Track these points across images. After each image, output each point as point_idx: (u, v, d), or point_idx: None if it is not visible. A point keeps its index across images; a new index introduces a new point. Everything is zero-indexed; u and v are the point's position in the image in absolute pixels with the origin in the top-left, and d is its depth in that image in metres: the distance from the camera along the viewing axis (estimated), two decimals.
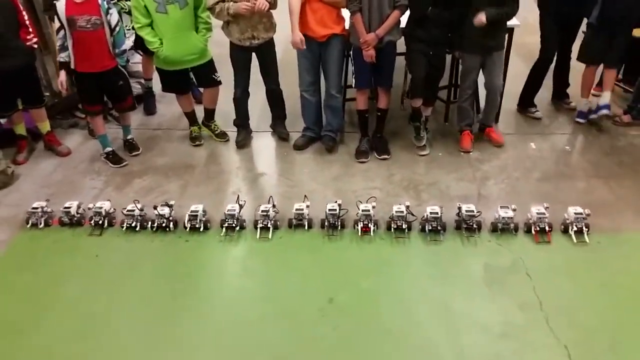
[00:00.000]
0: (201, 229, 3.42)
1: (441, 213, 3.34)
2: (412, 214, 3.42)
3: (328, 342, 2.68)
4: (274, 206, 3.48)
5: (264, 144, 4.56)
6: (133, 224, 3.44)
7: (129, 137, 4.43)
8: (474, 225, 3.35)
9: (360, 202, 3.45)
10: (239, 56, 4.16)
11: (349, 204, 3.54)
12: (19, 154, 4.29)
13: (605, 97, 4.46)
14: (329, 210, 3.39)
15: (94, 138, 4.44)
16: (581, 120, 4.66)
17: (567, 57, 4.72)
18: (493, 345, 2.63)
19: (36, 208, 3.52)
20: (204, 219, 3.44)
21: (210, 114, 4.61)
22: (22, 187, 3.99)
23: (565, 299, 2.90)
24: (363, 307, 2.88)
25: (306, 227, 3.42)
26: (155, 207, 3.45)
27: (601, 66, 4.54)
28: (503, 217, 3.34)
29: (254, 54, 4.19)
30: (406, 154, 4.30)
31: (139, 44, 4.84)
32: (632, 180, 3.89)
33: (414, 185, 3.91)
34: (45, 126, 4.38)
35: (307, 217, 3.44)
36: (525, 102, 4.87)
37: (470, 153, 4.29)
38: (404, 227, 3.36)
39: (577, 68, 4.65)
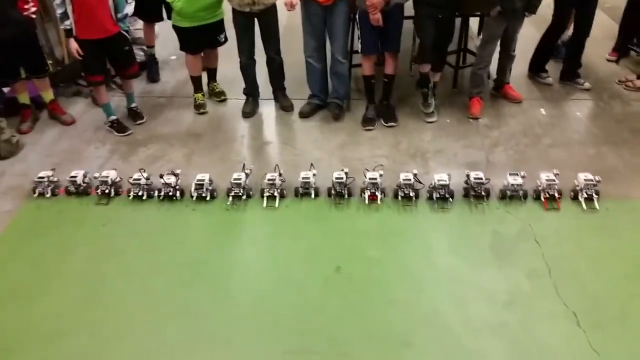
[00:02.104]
0: (207, 198, 3.40)
1: (449, 181, 3.30)
2: (420, 182, 3.38)
3: (334, 310, 2.69)
4: (280, 175, 3.45)
5: (269, 111, 4.50)
6: (139, 193, 3.43)
7: (132, 105, 4.38)
8: (483, 193, 3.32)
9: (367, 170, 3.41)
10: (241, 23, 4.06)
11: (356, 172, 3.51)
12: (23, 123, 4.26)
13: None
14: (336, 178, 3.36)
15: (98, 106, 4.39)
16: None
17: (583, 34, 4.45)
18: (500, 314, 2.63)
19: (42, 177, 3.50)
20: (210, 187, 3.42)
21: (212, 73, 4.59)
22: (27, 157, 3.97)
23: (574, 267, 2.88)
24: (369, 276, 2.88)
25: (313, 196, 3.40)
26: (161, 176, 3.43)
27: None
28: (512, 184, 3.30)
29: (256, 21, 4.08)
30: (413, 121, 4.24)
31: (140, 11, 4.75)
32: None
33: (421, 152, 3.86)
34: (48, 95, 4.34)
35: (313, 185, 3.41)
36: (537, 68, 4.75)
37: (479, 120, 4.22)
38: (411, 195, 3.33)
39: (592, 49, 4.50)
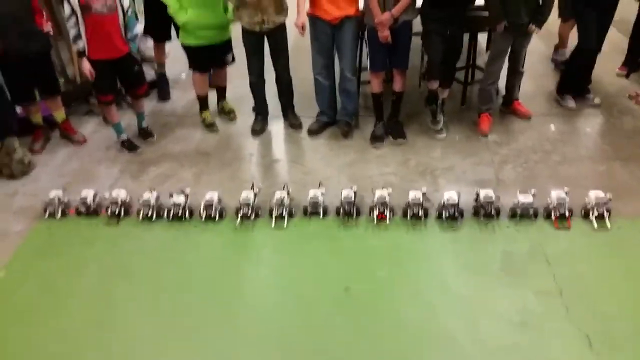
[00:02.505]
0: (216, 218, 3.41)
1: (458, 199, 3.29)
2: (429, 200, 3.37)
3: (344, 332, 2.67)
4: (288, 194, 3.46)
5: (278, 129, 4.51)
6: (149, 214, 3.45)
7: (143, 125, 4.42)
8: (493, 212, 3.30)
9: (375, 189, 3.41)
10: (250, 42, 4.09)
11: (365, 189, 3.51)
12: (35, 143, 4.31)
13: None
14: (344, 197, 3.36)
15: (109, 125, 4.43)
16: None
17: (597, 47, 4.37)
18: (512, 335, 2.60)
19: (53, 197, 3.53)
20: (219, 207, 3.44)
21: (221, 92, 4.65)
22: (39, 176, 4.01)
23: (586, 287, 2.85)
24: (379, 296, 2.86)
25: (321, 215, 3.40)
26: (171, 195, 3.45)
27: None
28: (522, 203, 3.28)
29: (266, 39, 4.12)
30: (422, 138, 4.23)
31: (150, 29, 4.81)
32: None
33: (430, 170, 3.85)
34: (60, 114, 4.38)
35: (322, 204, 3.41)
36: (562, 89, 4.60)
37: (488, 136, 4.21)
38: (420, 214, 3.31)
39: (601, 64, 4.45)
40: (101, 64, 3.93)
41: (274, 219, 3.37)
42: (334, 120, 4.41)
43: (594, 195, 3.26)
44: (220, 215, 3.43)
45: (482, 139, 4.19)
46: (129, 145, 4.24)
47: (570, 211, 3.26)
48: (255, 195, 3.45)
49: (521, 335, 2.60)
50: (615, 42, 5.38)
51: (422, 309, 2.77)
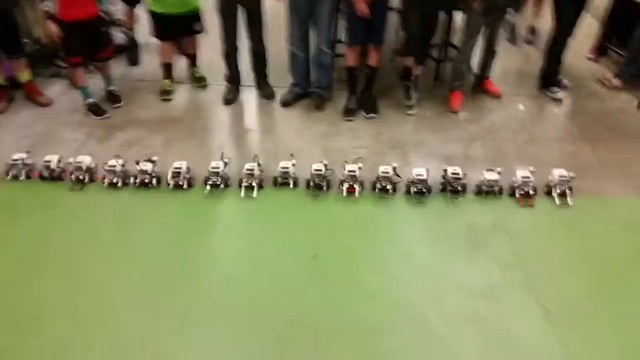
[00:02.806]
0: (184, 187, 3.37)
1: (427, 176, 3.33)
2: (399, 176, 3.40)
3: (311, 299, 2.70)
4: (259, 165, 3.43)
5: (250, 99, 4.47)
6: (114, 180, 3.39)
7: (110, 87, 4.32)
8: (459, 188, 3.35)
9: (347, 162, 3.42)
10: (225, 9, 4.02)
11: (336, 162, 3.51)
12: None
13: None
14: (315, 170, 3.36)
15: (76, 88, 4.32)
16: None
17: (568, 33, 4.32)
18: (472, 305, 2.67)
19: (17, 160, 3.44)
20: (187, 176, 3.39)
21: (191, 59, 4.59)
22: (1, 138, 3.89)
23: (545, 261, 2.93)
24: (346, 265, 2.90)
25: (291, 186, 3.40)
26: (137, 163, 3.38)
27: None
28: (488, 180, 3.34)
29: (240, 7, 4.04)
30: (394, 113, 4.25)
31: None
32: (619, 145, 3.90)
33: (401, 144, 3.88)
34: (25, 75, 4.25)
35: (292, 175, 3.40)
36: (546, 82, 4.57)
37: (459, 114, 4.25)
38: (388, 187, 3.35)
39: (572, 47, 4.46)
40: (70, 25, 3.81)
41: (243, 189, 3.35)
42: (307, 92, 4.39)
43: (558, 173, 3.34)
44: (189, 184, 3.39)
45: (453, 116, 4.23)
46: (95, 109, 4.14)
47: (535, 190, 3.33)
48: (225, 164, 3.41)
49: (482, 305, 2.67)
50: (585, 26, 5.47)
51: (387, 278, 2.82)
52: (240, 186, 3.37)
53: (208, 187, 3.35)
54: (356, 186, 3.34)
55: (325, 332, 2.53)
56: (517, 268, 2.88)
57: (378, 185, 3.36)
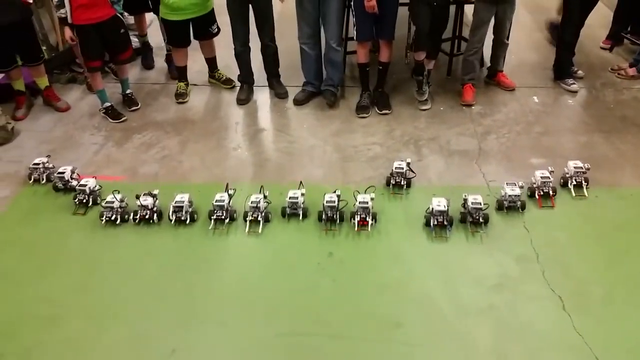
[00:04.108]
0: (187, 222, 3.16)
1: (448, 206, 3.05)
2: (413, 171, 3.41)
3: (326, 293, 2.74)
4: (265, 197, 3.15)
5: (264, 98, 4.51)
6: (112, 217, 3.15)
7: (127, 91, 4.38)
8: (481, 220, 3.05)
9: (358, 192, 3.14)
10: (235, 9, 4.06)
11: (350, 159, 3.51)
12: (18, 110, 4.26)
13: None
14: (327, 202, 3.09)
15: (93, 93, 4.40)
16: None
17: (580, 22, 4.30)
18: (488, 297, 2.68)
19: (37, 164, 3.52)
20: (190, 210, 3.18)
21: (212, 63, 4.60)
22: (22, 143, 3.98)
23: (562, 252, 2.93)
24: (360, 260, 2.93)
25: (300, 217, 3.15)
26: (137, 197, 3.17)
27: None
28: (510, 195, 3.14)
29: (251, 7, 4.08)
30: (407, 109, 4.26)
31: (127, 4, 4.65)
32: (634, 135, 3.87)
33: (414, 140, 3.89)
34: (43, 81, 4.34)
35: (301, 206, 3.17)
36: (561, 74, 4.51)
37: (472, 107, 4.25)
38: (403, 183, 3.36)
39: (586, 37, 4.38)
40: (87, 29, 3.88)
41: (248, 223, 3.11)
42: (320, 90, 4.41)
43: (573, 164, 3.33)
44: (192, 219, 3.17)
45: (466, 110, 4.23)
46: (112, 113, 4.21)
47: (555, 191, 3.25)
48: (230, 196, 3.19)
49: (497, 296, 2.68)
50: (599, 15, 5.41)
51: (402, 273, 2.84)
52: (245, 220, 3.14)
53: (212, 221, 3.15)
54: (369, 219, 3.10)
55: (341, 326, 2.56)
56: (533, 259, 2.88)
57: (392, 181, 3.37)
